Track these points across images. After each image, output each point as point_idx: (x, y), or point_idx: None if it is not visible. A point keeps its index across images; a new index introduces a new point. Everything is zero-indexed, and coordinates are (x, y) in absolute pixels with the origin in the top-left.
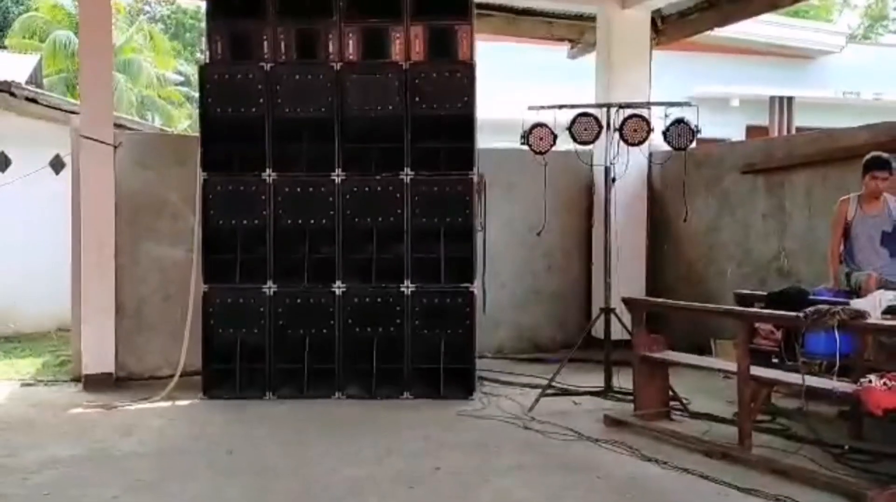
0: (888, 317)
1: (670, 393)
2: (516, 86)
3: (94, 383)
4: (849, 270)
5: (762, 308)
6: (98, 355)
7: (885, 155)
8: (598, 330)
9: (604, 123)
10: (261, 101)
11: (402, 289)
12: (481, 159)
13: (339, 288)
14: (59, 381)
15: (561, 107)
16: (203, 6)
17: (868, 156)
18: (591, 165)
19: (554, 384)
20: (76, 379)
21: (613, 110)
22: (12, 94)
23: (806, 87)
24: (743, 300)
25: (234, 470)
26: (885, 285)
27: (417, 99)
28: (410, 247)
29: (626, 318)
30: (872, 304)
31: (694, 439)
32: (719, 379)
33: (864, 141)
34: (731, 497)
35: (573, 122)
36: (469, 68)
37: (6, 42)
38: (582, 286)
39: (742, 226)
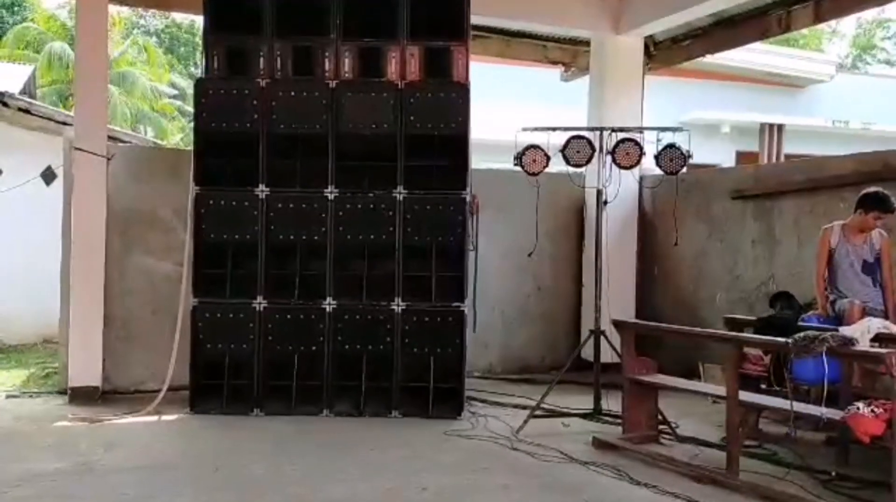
0: (876, 344)
1: (659, 416)
2: (510, 107)
3: (79, 396)
4: (833, 298)
5: (751, 333)
6: (85, 368)
7: (890, 197)
8: (587, 352)
9: (596, 146)
10: (255, 116)
11: (392, 307)
12: (474, 179)
13: (329, 304)
14: (44, 394)
15: (554, 129)
16: (199, 21)
17: (871, 194)
18: (584, 188)
19: (543, 405)
20: (62, 392)
21: (606, 133)
22: (5, 105)
23: (796, 115)
24: (732, 325)
25: (220, 486)
26: (869, 313)
27: (412, 118)
28: (402, 265)
29: (616, 341)
30: (860, 331)
31: (682, 463)
32: (707, 403)
33: (852, 169)
34: None
35: (566, 144)
36: (464, 89)
37: (0, 52)
38: (572, 308)
39: (731, 252)
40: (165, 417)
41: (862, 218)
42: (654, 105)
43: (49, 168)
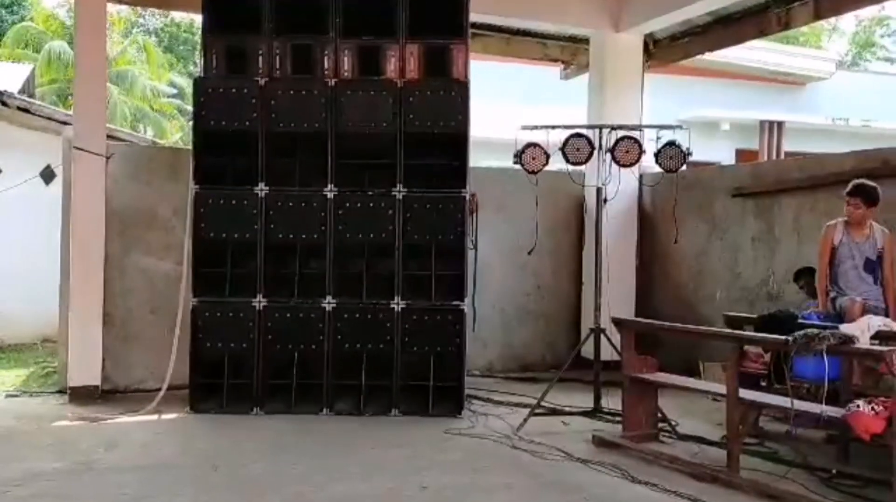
0: (876, 342)
1: (659, 414)
2: (509, 105)
3: (79, 395)
4: (834, 295)
5: (751, 331)
6: (84, 367)
7: (867, 183)
8: (587, 350)
9: (596, 144)
10: (255, 115)
11: (392, 306)
12: (473, 178)
13: (329, 303)
14: (44, 393)
15: (554, 127)
16: (198, 19)
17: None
18: (583, 186)
19: (543, 403)
20: (62, 391)
21: (606, 131)
22: (4, 104)
23: (796, 113)
24: (732, 323)
25: (220, 486)
26: (869, 310)
27: (411, 116)
28: (401, 263)
29: (616, 339)
30: (861, 329)
31: (682, 461)
32: (707, 401)
33: (852, 167)
34: None
35: (566, 142)
36: (463, 87)
37: None
38: (572, 306)
39: (731, 249)
40: (165, 416)
41: (846, 209)
42: (653, 103)
43: (48, 167)
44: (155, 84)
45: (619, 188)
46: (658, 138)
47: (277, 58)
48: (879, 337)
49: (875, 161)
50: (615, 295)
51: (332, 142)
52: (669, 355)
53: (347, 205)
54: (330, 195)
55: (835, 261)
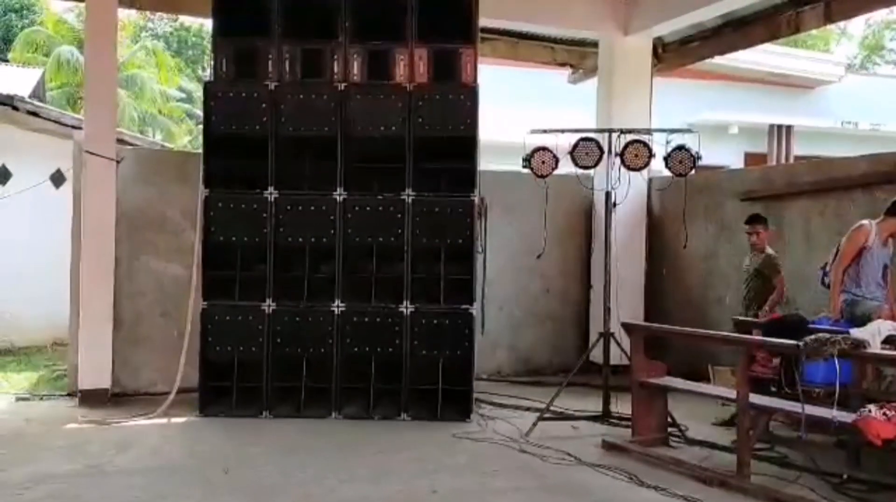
0: (887, 346)
1: (668, 419)
2: (517, 109)
3: (89, 398)
4: (848, 298)
5: (761, 335)
6: (94, 370)
7: None
8: (596, 354)
9: (605, 148)
10: (264, 119)
11: (401, 310)
12: (482, 181)
13: (338, 307)
14: (54, 396)
15: (563, 131)
16: (208, 24)
17: None
18: (592, 190)
19: (552, 408)
20: (72, 394)
21: (615, 135)
22: (14, 108)
23: (805, 116)
24: (742, 327)
25: (230, 489)
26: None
27: (420, 120)
28: (410, 267)
29: (625, 343)
30: (872, 334)
31: (692, 466)
32: (717, 406)
33: (862, 170)
34: None
35: (575, 146)
36: (472, 91)
37: (9, 56)
38: (580, 310)
39: (740, 253)
40: (175, 420)
41: None
42: (661, 107)
43: (58, 171)
44: (163, 88)
45: (628, 192)
46: (667, 142)
47: (287, 62)
48: (889, 341)
49: (887, 165)
50: (624, 299)
51: (342, 146)
52: (678, 359)
53: (357, 208)
54: (339, 199)
55: (860, 262)
